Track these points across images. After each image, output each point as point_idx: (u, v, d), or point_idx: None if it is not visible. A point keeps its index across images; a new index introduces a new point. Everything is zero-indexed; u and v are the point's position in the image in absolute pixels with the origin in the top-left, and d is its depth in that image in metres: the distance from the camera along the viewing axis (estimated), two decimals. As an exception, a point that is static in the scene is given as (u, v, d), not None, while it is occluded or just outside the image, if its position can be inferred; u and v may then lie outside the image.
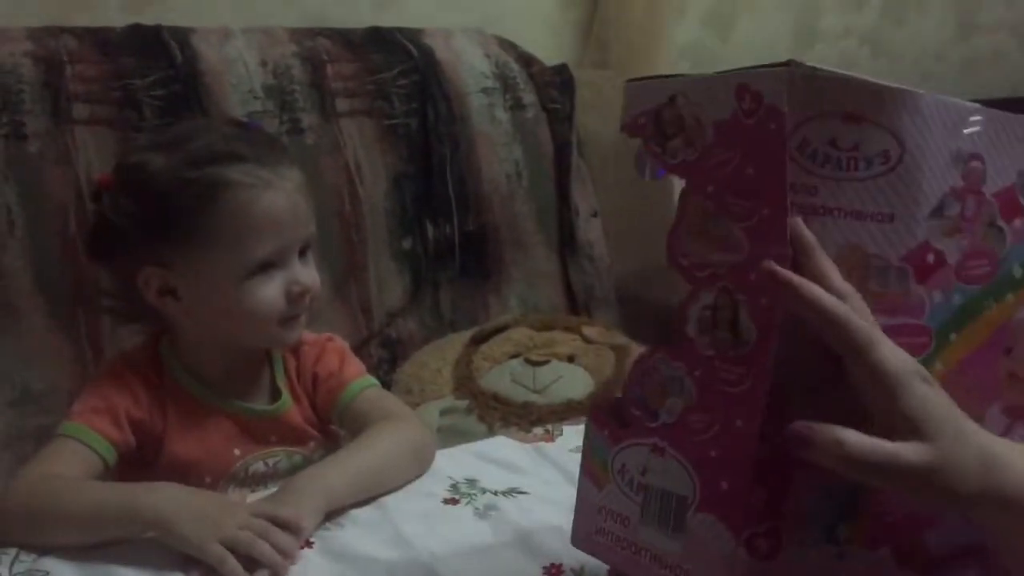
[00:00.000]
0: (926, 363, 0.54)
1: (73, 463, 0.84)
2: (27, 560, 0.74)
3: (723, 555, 0.53)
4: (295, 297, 0.90)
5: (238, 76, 1.41)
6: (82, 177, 1.29)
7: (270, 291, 0.89)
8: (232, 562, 0.72)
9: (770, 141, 0.51)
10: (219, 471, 0.94)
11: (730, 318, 0.53)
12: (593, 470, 0.61)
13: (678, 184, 0.57)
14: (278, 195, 0.89)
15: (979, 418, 0.56)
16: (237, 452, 0.94)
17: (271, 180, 0.89)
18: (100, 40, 1.36)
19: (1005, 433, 0.59)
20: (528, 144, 1.62)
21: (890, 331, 0.52)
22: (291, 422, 0.96)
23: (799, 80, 0.51)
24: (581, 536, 0.63)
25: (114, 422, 0.88)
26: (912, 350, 0.53)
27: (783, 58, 0.53)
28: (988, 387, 0.58)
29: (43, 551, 0.75)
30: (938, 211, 0.54)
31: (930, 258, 0.54)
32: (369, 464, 0.86)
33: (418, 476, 0.88)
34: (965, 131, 0.55)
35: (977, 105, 0.56)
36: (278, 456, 0.97)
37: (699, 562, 0.54)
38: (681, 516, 0.55)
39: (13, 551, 0.75)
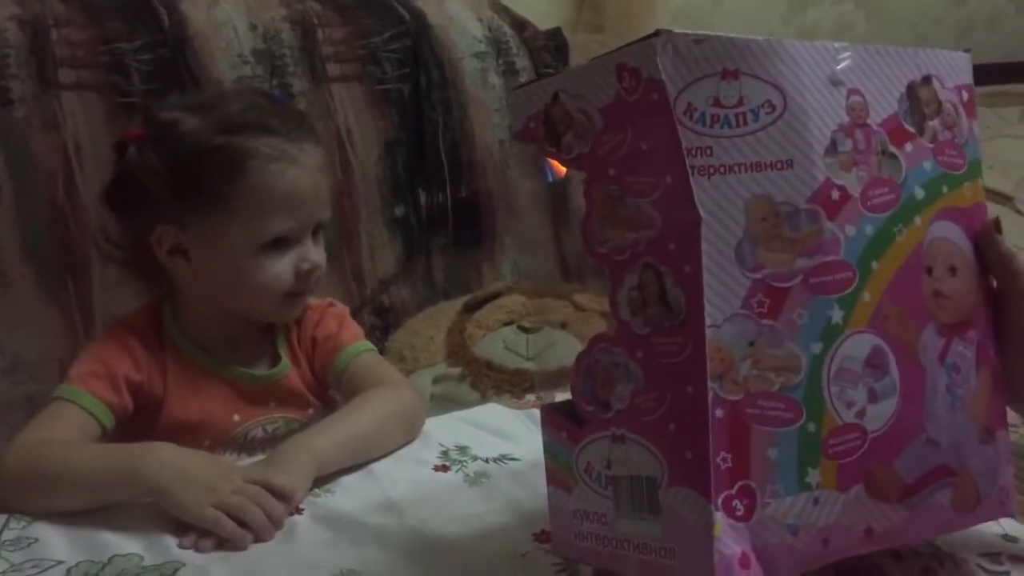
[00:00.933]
0: (854, 296, 0.56)
1: (70, 427, 0.84)
2: (16, 527, 0.74)
3: (702, 524, 0.53)
4: (303, 274, 0.91)
5: (227, 40, 1.40)
6: (69, 143, 1.28)
7: (280, 266, 0.90)
8: (228, 522, 0.72)
9: (657, 112, 0.53)
10: (218, 436, 0.94)
11: (658, 292, 0.54)
12: (559, 475, 0.62)
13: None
14: (302, 173, 0.90)
15: (916, 342, 0.58)
16: (236, 418, 0.94)
17: (297, 157, 0.89)
18: (86, 4, 1.34)
19: (944, 353, 0.60)
20: (521, 110, 1.61)
21: (814, 272, 0.54)
22: (290, 387, 0.96)
23: (671, 48, 0.53)
24: (562, 544, 0.63)
25: (112, 386, 0.88)
26: (839, 286, 0.55)
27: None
28: (918, 310, 0.59)
29: (33, 518, 0.75)
30: (832, 149, 0.56)
31: (835, 195, 0.56)
32: (358, 430, 0.86)
33: (408, 442, 0.88)
34: (838, 67, 0.57)
35: (844, 43, 0.58)
36: (277, 422, 0.97)
37: (680, 537, 0.54)
38: (654, 497, 0.55)
39: (3, 518, 0.75)
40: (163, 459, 0.77)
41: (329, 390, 1.01)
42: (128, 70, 1.32)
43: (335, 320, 0.99)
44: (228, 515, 0.73)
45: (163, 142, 0.90)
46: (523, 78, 1.62)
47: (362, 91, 1.49)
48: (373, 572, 0.70)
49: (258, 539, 0.73)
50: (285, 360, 0.97)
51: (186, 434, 0.91)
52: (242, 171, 0.87)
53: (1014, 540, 0.71)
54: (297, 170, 0.89)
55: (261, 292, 0.91)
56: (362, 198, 1.49)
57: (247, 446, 0.95)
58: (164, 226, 0.91)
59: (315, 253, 0.93)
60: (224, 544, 0.72)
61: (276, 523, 0.74)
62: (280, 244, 0.90)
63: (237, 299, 0.93)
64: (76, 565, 0.70)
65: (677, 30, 0.53)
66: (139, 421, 0.91)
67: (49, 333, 1.27)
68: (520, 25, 1.66)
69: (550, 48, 1.66)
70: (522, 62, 1.62)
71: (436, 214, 1.55)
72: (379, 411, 0.88)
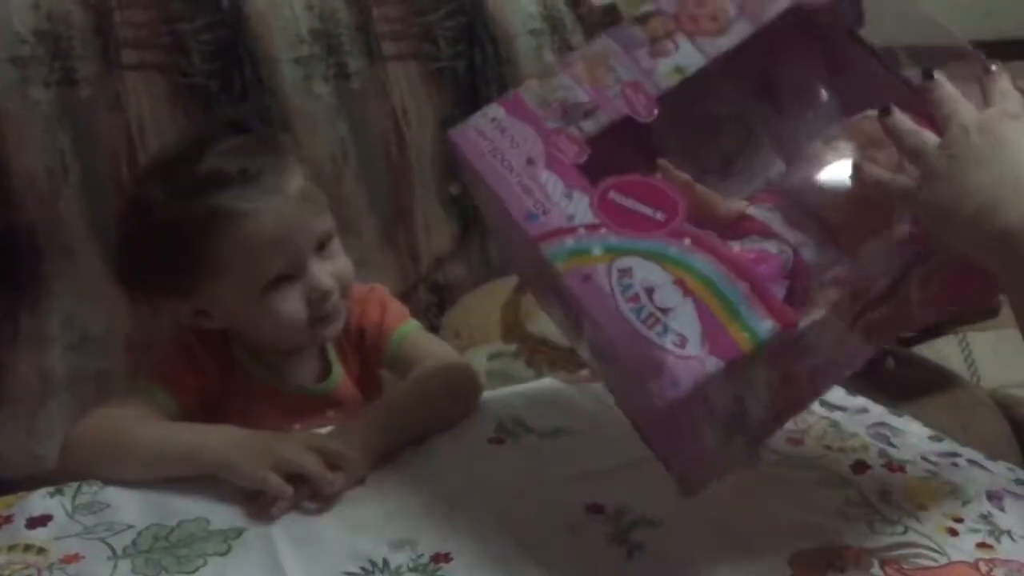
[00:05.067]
0: None
1: (140, 409, 0.85)
2: (88, 492, 0.77)
3: None
4: (316, 302, 0.88)
5: (284, 20, 1.41)
6: (133, 123, 1.31)
7: (290, 303, 0.87)
8: (273, 478, 0.74)
9: None
10: None
11: None
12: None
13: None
14: (272, 217, 0.85)
15: None
16: (297, 427, 0.92)
17: (265, 202, 0.85)
18: (148, -15, 1.37)
19: None
20: (576, 87, 1.60)
21: None
22: (342, 395, 0.95)
23: None
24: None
25: (181, 387, 0.88)
26: None
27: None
28: None
29: (105, 483, 0.78)
30: None
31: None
32: (417, 406, 0.87)
33: (465, 416, 0.89)
34: None
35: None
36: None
37: None
38: None
39: (76, 484, 0.78)
40: (228, 437, 0.79)
41: (380, 370, 1.00)
42: (189, 50, 1.34)
43: (377, 307, 0.98)
44: (285, 468, 0.75)
45: (140, 224, 0.88)
46: (578, 55, 1.61)
47: (418, 69, 1.50)
48: (428, 541, 0.71)
49: (316, 491, 0.75)
50: (336, 370, 0.95)
51: None
52: (216, 233, 0.85)
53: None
54: (267, 216, 0.85)
55: (283, 329, 0.88)
56: (417, 176, 1.50)
57: None
58: (169, 302, 0.91)
59: (323, 276, 0.87)
60: (291, 510, 0.74)
61: (338, 472, 0.76)
62: (281, 282, 0.87)
63: (270, 336, 0.91)
64: (146, 528, 0.72)
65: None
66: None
67: (116, 309, 1.31)
68: (575, 1, 1.65)
69: (606, 24, 1.65)
70: (577, 39, 1.61)
71: (491, 192, 1.56)
72: (436, 387, 0.89)
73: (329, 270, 0.89)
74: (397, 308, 0.99)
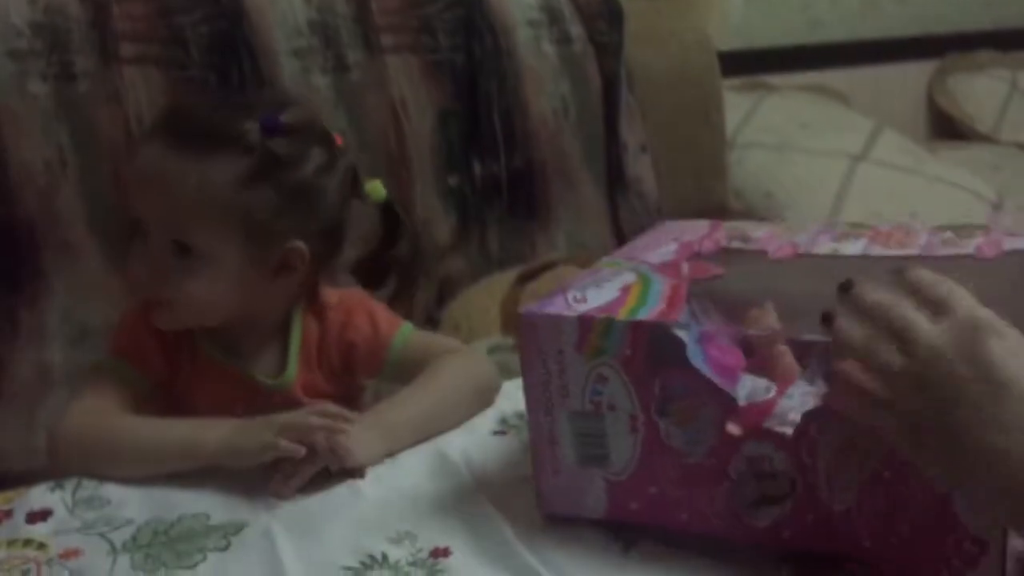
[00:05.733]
0: None
1: (118, 395, 0.85)
2: (89, 487, 0.77)
3: None
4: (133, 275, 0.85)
5: (282, 12, 1.41)
6: (132, 116, 1.30)
7: (133, 256, 0.85)
8: (284, 441, 0.75)
9: None
10: None
11: None
12: None
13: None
14: (149, 165, 0.83)
15: None
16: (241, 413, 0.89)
17: (164, 152, 0.83)
18: (145, -23, 1.36)
19: None
20: (575, 78, 1.60)
21: None
22: (293, 395, 0.91)
23: None
24: None
25: (147, 358, 0.87)
26: None
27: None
28: None
29: (104, 479, 0.78)
30: None
31: None
32: (431, 404, 0.85)
33: (481, 411, 0.88)
34: None
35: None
36: None
37: None
38: None
39: (75, 480, 0.78)
40: (224, 423, 0.80)
41: (368, 381, 0.97)
42: (187, 43, 1.34)
43: (364, 316, 0.93)
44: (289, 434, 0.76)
45: None
46: (577, 46, 1.60)
47: (416, 61, 1.49)
48: (428, 535, 0.71)
49: (325, 448, 0.76)
50: (291, 368, 0.91)
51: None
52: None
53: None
54: (155, 157, 0.83)
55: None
56: (416, 169, 1.49)
57: None
58: None
59: (140, 265, 0.83)
60: (304, 489, 0.75)
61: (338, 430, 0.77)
62: (137, 231, 0.84)
63: None
64: (146, 523, 0.72)
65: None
66: (158, 398, 0.89)
67: (114, 303, 1.30)
68: (574, -8, 1.65)
69: (604, 15, 1.65)
70: (576, 30, 1.61)
71: (490, 184, 1.55)
72: (452, 384, 0.87)
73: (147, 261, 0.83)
74: (386, 313, 0.94)
